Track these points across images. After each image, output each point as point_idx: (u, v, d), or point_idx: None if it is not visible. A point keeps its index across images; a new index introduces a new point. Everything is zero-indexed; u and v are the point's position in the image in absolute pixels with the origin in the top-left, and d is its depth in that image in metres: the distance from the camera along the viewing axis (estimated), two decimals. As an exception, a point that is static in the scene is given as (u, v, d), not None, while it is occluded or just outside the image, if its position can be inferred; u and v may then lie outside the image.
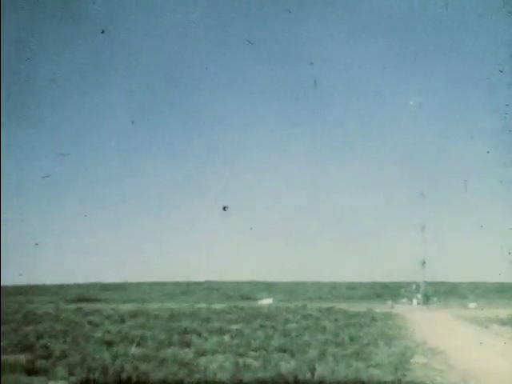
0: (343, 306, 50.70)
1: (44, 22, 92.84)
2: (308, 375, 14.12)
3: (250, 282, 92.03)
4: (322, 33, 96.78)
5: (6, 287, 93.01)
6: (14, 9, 61.14)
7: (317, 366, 15.06)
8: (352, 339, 22.04)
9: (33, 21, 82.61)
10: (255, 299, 68.08)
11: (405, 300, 66.84)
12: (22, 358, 16.92)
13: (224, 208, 53.09)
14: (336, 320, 31.80)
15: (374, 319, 34.15)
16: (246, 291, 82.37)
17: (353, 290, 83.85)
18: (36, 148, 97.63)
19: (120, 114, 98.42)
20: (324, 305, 51.23)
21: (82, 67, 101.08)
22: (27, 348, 19.40)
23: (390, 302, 62.88)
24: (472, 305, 57.92)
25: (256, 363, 16.23)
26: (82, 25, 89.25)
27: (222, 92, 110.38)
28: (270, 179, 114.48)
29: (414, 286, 68.13)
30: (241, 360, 16.51)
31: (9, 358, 16.91)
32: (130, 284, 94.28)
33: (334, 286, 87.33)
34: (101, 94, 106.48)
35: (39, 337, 22.72)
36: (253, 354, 18.46)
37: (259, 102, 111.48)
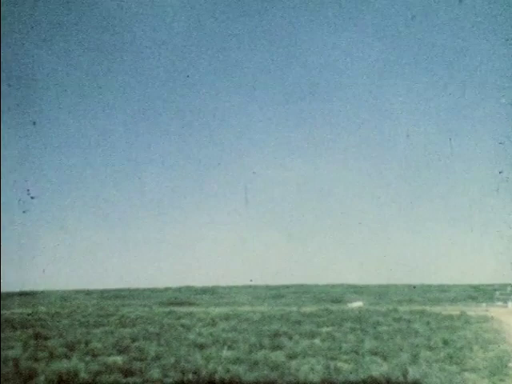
0: (435, 308, 49.66)
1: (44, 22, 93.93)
2: (400, 379, 13.93)
3: (339, 285, 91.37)
4: (322, 33, 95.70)
5: (105, 291, 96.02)
6: (14, 5, 62.07)
7: (409, 369, 14.84)
8: (445, 343, 21.56)
9: (32, 20, 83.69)
10: (345, 302, 67.49)
11: (500, 303, 64.71)
12: (119, 359, 17.44)
13: None
14: (428, 323, 31.13)
15: (467, 322, 33.24)
16: (335, 294, 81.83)
17: (445, 293, 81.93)
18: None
19: (121, 114, 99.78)
20: (415, 307, 50.30)
21: (82, 67, 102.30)
22: (123, 350, 19.97)
23: (483, 305, 61.05)
24: None
25: (347, 366, 16.14)
26: (82, 24, 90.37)
27: (221, 92, 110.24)
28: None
29: (510, 288, 65.86)
30: (332, 363, 16.45)
31: (107, 359, 17.48)
32: (221, 287, 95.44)
33: (425, 289, 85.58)
34: (100, 93, 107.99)
35: (134, 339, 23.35)
36: (344, 357, 18.35)
37: (259, 102, 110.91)
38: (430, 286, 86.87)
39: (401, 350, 19.47)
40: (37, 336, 24.83)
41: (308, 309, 48.83)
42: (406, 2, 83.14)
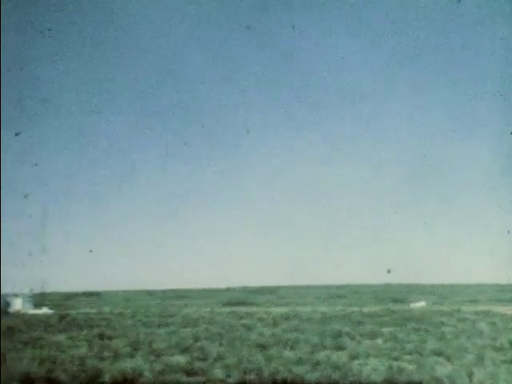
0: (501, 308, 48.52)
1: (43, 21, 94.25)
2: (465, 380, 13.67)
3: (401, 285, 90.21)
4: (323, 34, 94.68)
5: (167, 291, 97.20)
6: (14, 6, 62.58)
7: (475, 370, 14.55)
8: (512, 344, 21.07)
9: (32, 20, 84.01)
10: (407, 302, 66.59)
11: None
12: (182, 359, 17.64)
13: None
14: (493, 323, 30.45)
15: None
16: (397, 294, 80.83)
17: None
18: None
19: (122, 115, 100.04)
20: (480, 308, 49.28)
21: (82, 66, 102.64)
22: (185, 350, 20.17)
23: None
24: None
25: (410, 367, 15.94)
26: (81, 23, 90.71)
27: (221, 92, 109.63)
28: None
29: None
30: (395, 364, 16.27)
31: (170, 359, 17.69)
32: (282, 287, 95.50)
33: (491, 288, 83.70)
34: (100, 93, 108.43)
35: (196, 339, 23.56)
36: (407, 357, 18.12)
37: (259, 103, 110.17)
38: (495, 286, 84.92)
39: (465, 350, 19.11)
40: (102, 336, 25.31)
41: (369, 309, 48.39)
42: (407, 3, 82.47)
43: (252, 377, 14.34)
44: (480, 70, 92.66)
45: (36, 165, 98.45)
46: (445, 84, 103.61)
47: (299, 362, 16.70)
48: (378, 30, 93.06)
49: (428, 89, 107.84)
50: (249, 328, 29.36)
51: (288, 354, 18.52)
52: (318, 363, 16.40)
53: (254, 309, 56.48)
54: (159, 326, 32.82)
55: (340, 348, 20.58)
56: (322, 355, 18.26)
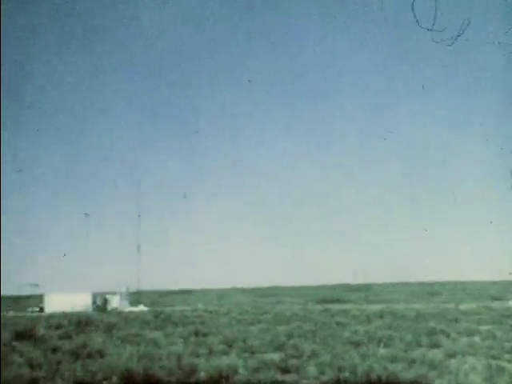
0: None
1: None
2: None
3: (497, 282, 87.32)
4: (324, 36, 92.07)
5: (259, 288, 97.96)
6: (13, 8, 62.81)
7: None
8: None
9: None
10: (506, 299, 64.50)
11: None
12: (275, 356, 17.74)
13: None
14: None
15: None
16: (494, 291, 78.41)
17: None
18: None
19: (123, 116, 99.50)
20: None
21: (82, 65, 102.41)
22: (279, 347, 20.27)
23: None
24: None
25: (510, 366, 15.46)
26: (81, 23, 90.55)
27: (221, 93, 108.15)
28: None
29: None
30: (494, 362, 15.82)
31: (264, 356, 17.84)
32: (375, 285, 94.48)
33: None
34: (99, 92, 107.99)
35: (289, 336, 23.63)
36: (507, 356, 17.58)
37: (259, 103, 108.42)
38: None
39: None
40: (197, 333, 25.77)
41: (465, 306, 47.21)
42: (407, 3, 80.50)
43: (346, 374, 14.26)
44: (480, 70, 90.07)
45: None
46: (444, 83, 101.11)
47: (394, 359, 16.50)
48: (376, 28, 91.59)
49: (427, 88, 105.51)
50: (342, 325, 29.22)
51: (382, 351, 18.31)
52: (413, 361, 16.16)
53: (347, 306, 56.15)
54: (252, 323, 33.13)
55: (435, 346, 20.20)
56: (416, 353, 17.97)
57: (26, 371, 13.92)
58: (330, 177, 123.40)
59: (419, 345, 20.46)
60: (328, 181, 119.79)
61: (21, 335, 25.21)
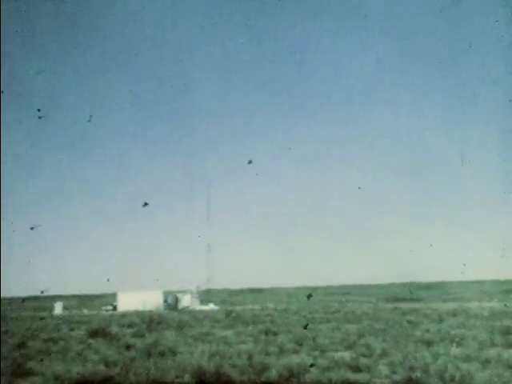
0: None
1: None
2: None
3: None
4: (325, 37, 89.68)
5: (329, 287, 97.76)
6: (14, 7, 62.56)
7: None
8: None
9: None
10: None
11: None
12: (346, 355, 17.67)
13: None
14: None
15: None
16: None
17: None
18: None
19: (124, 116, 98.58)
20: None
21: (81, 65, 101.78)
22: (350, 346, 20.19)
23: None
24: None
25: None
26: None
27: (221, 93, 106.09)
28: None
29: None
30: None
31: (334, 355, 17.79)
32: (447, 283, 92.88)
33: None
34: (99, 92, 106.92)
35: (360, 335, 23.50)
36: None
37: (260, 103, 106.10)
38: None
39: None
40: (267, 331, 25.90)
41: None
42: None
43: (418, 374, 14.07)
44: (479, 69, 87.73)
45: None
46: (444, 83, 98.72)
47: (467, 359, 16.19)
48: (377, 28, 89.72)
49: (427, 87, 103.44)
50: (414, 324, 28.86)
51: (455, 350, 17.98)
52: (487, 361, 15.81)
53: (418, 305, 55.40)
54: (322, 321, 33.07)
55: (511, 346, 19.71)
56: (491, 352, 17.56)
57: (101, 368, 14.26)
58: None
59: (494, 344, 20.00)
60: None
61: (95, 333, 25.92)
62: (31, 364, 16.30)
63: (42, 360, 17.03)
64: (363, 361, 16.41)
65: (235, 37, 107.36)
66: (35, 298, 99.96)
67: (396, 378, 14.20)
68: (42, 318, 48.53)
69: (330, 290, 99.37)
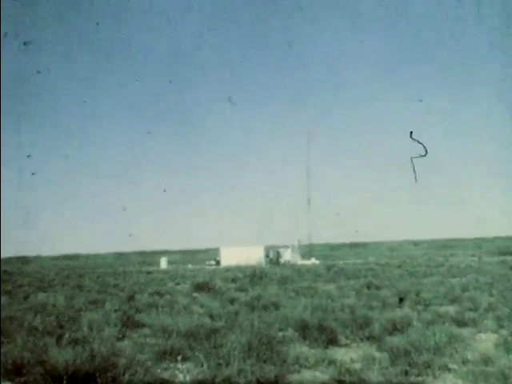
0: None
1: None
2: None
3: None
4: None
5: (434, 241, 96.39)
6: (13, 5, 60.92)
7: None
8: None
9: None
10: None
11: None
12: (451, 309, 17.45)
13: None
14: None
15: None
16: None
17: None
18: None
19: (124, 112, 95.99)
20: None
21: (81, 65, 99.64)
22: (454, 300, 19.89)
23: None
24: None
25: None
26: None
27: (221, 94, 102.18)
28: None
29: None
30: None
31: (438, 309, 17.59)
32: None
33: None
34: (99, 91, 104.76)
35: (464, 289, 23.09)
36: None
37: (260, 103, 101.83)
38: None
39: None
40: (369, 286, 25.86)
41: None
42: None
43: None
44: (479, 68, 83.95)
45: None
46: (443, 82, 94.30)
47: None
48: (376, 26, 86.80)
49: (434, 88, 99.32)
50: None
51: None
52: None
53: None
54: (426, 275, 32.69)
55: None
56: None
57: (206, 321, 14.69)
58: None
59: None
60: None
61: (200, 287, 26.69)
62: (140, 316, 17.00)
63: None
64: (468, 315, 16.14)
65: (236, 37, 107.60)
66: (141, 254, 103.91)
67: (503, 332, 13.90)
68: (148, 273, 50.36)
69: (433, 244, 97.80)
